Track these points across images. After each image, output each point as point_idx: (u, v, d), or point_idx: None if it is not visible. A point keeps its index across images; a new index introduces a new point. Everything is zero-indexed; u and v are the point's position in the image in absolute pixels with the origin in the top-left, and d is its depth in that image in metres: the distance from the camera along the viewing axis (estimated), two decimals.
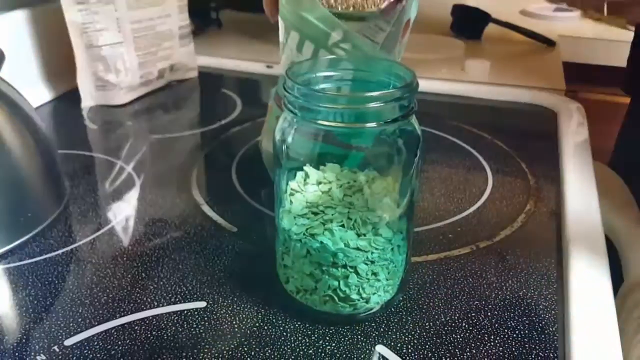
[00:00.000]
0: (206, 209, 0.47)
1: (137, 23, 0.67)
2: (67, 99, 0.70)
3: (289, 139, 0.32)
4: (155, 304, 0.36)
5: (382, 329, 0.34)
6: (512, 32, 0.94)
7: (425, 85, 0.73)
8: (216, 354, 0.32)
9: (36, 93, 0.68)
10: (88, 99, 0.68)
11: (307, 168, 0.33)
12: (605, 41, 0.99)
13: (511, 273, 0.39)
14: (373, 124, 0.30)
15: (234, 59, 0.83)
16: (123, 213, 0.47)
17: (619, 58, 0.74)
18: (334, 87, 0.34)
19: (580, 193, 0.49)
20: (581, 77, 0.95)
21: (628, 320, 0.45)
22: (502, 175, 0.53)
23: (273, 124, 0.47)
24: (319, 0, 0.37)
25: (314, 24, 0.37)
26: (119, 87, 0.67)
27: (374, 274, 0.32)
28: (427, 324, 0.35)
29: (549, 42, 0.91)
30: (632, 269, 0.50)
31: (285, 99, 0.31)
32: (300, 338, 0.33)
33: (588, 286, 0.37)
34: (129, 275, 0.39)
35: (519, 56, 0.88)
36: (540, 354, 0.33)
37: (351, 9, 0.37)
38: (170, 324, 0.34)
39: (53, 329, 0.34)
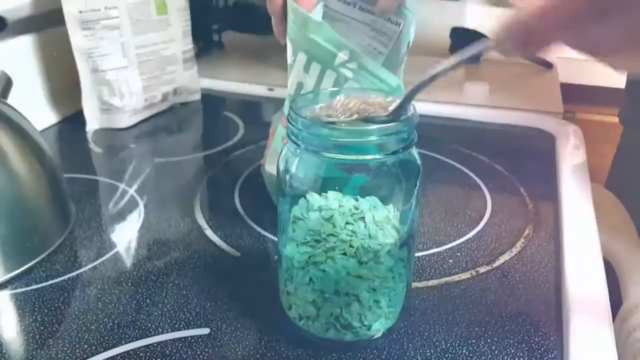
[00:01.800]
0: (209, 233, 0.48)
1: (141, 48, 0.68)
2: (72, 122, 0.71)
3: (293, 169, 0.33)
4: (160, 330, 0.36)
5: (384, 356, 0.35)
6: None
7: (424, 108, 0.74)
8: None
9: (42, 116, 0.69)
10: (93, 122, 0.69)
11: (310, 195, 0.33)
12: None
13: (510, 299, 0.40)
14: (374, 156, 0.31)
15: (236, 82, 0.84)
16: (127, 238, 0.47)
17: (616, 79, 0.75)
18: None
19: (578, 217, 0.49)
20: (579, 98, 0.96)
21: (627, 343, 0.46)
22: (501, 199, 0.54)
23: (278, 146, 0.48)
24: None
25: (321, 45, 0.38)
26: (124, 110, 0.68)
27: (376, 301, 0.33)
28: (427, 351, 0.35)
29: (547, 65, 0.92)
30: (631, 291, 0.51)
31: (288, 130, 0.32)
32: None
33: (586, 310, 0.38)
34: (134, 301, 0.39)
35: (517, 79, 0.89)
36: None
37: (355, 116, 0.32)
38: (174, 351, 0.35)
39: (59, 356, 0.34)
